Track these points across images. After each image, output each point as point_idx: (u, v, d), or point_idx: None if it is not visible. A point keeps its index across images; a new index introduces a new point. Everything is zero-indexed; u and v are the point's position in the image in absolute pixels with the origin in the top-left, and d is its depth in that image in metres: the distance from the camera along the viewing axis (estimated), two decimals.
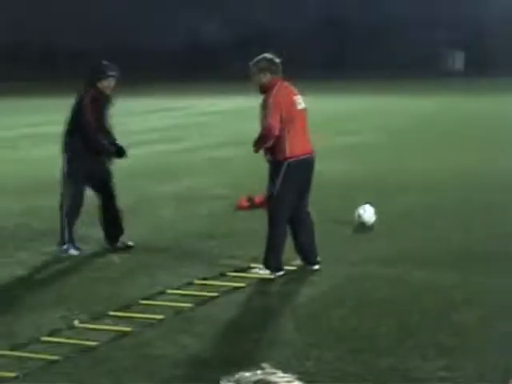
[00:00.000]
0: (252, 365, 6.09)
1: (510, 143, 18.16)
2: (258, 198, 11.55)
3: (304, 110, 9.03)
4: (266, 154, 8.90)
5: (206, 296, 7.79)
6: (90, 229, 10.72)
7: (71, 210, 10.03)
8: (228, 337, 6.96)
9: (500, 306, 7.36)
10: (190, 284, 8.23)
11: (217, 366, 6.08)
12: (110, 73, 10.14)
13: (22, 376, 5.86)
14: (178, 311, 7.32)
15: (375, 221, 10.51)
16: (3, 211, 12.33)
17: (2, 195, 13.75)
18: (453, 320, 7.00)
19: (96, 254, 9.62)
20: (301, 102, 9.01)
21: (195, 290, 8.04)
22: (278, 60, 8.99)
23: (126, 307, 7.44)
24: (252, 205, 11.80)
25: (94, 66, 10.66)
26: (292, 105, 8.94)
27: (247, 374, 1.95)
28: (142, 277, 8.56)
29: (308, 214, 8.91)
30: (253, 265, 8.75)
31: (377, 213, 10.54)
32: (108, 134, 10.06)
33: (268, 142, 8.79)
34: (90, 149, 10.06)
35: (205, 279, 8.37)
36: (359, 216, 10.48)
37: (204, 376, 5.94)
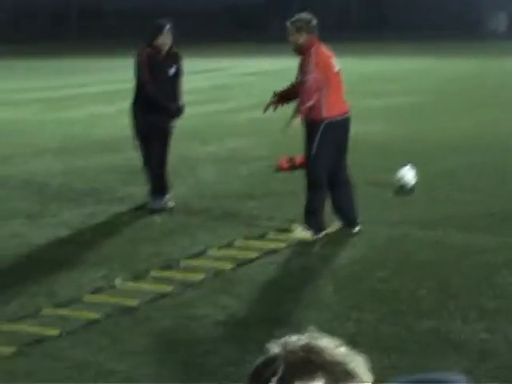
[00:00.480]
0: (293, 326, 6.11)
1: None
2: (299, 159, 11.50)
3: (339, 71, 8.96)
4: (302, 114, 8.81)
5: (246, 257, 7.79)
6: (131, 188, 10.80)
7: (158, 166, 10.26)
8: (268, 298, 6.95)
9: None
10: (230, 244, 8.23)
11: (256, 327, 6.09)
12: (164, 28, 10.14)
13: (65, 334, 5.91)
14: (218, 272, 7.32)
15: (415, 183, 10.43)
16: (46, 171, 12.45)
17: (44, 155, 13.88)
18: (494, 282, 6.92)
19: (137, 214, 9.66)
20: (336, 63, 8.95)
21: (235, 251, 8.05)
22: (314, 20, 8.87)
23: (166, 267, 7.46)
24: (292, 165, 11.76)
25: (150, 25, 10.73)
26: (329, 66, 8.91)
27: (293, 338, 1.85)
28: (182, 237, 8.59)
29: (347, 175, 8.82)
30: (294, 226, 8.72)
31: (417, 175, 10.45)
32: (169, 93, 10.14)
33: (311, 99, 8.66)
34: (149, 105, 10.16)
35: (245, 240, 8.37)
36: (400, 178, 10.38)
37: (244, 336, 5.94)
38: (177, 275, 7.20)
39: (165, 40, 10.05)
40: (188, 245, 8.32)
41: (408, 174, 10.38)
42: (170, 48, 10.18)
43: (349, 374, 1.73)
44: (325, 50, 9.05)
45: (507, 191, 10.21)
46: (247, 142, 14.41)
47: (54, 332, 5.89)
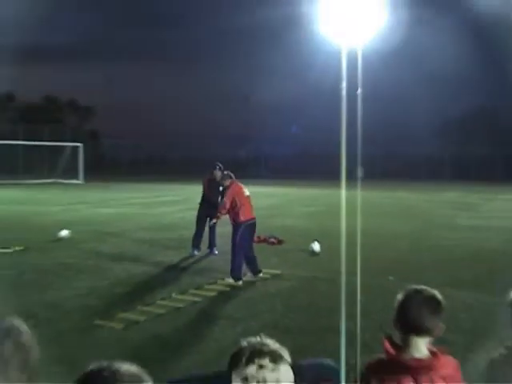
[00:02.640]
0: None
1: None
2: (263, 238, 19.03)
3: (249, 196, 13.90)
4: (231, 219, 13.59)
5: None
6: (171, 252, 17.66)
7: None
8: None
9: None
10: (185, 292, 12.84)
11: None
12: (216, 167, 16.17)
13: None
14: None
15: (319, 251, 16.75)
16: (139, 243, 19.22)
17: (142, 231, 21.87)
18: None
19: None
20: (246, 191, 13.83)
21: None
22: (229, 177, 14.08)
23: None
24: (259, 241, 18.71)
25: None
26: (242, 193, 13.73)
27: (253, 338, 2.75)
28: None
29: (254, 256, 13.84)
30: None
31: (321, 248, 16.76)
32: (216, 202, 14.68)
33: (223, 212, 13.62)
34: (207, 203, 16.19)
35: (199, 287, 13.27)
36: (311, 248, 17.09)
37: None
38: None
39: (216, 173, 15.96)
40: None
41: (315, 246, 17.23)
42: (221, 179, 14.79)
43: (281, 356, 2.58)
44: (238, 185, 13.87)
45: None
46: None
47: None
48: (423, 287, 3.79)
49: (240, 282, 13.32)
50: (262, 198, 36.69)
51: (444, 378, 3.64)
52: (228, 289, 13.15)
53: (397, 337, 3.78)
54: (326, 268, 14.92)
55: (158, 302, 11.99)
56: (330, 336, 9.22)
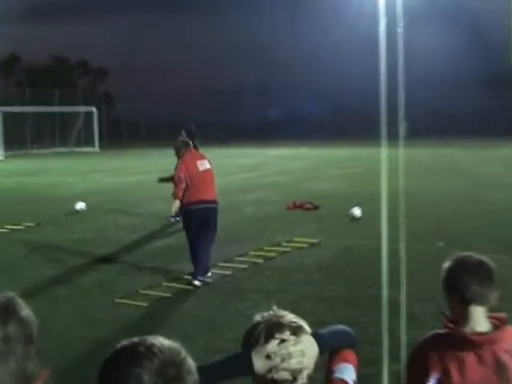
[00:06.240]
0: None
1: None
2: (299, 203, 19.43)
3: (207, 170, 11.88)
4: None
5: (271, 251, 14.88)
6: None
7: None
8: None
9: None
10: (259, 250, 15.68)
11: None
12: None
13: None
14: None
15: (361, 216, 17.40)
16: (165, 208, 20.44)
17: (159, 200, 21.98)
18: None
19: None
20: (204, 164, 11.86)
21: (261, 252, 15.18)
22: (187, 141, 12.46)
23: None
24: (295, 207, 19.57)
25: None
26: (194, 167, 11.74)
27: (265, 313, 2.64)
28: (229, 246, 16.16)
29: (212, 241, 11.95)
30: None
31: (362, 211, 17.35)
32: None
33: (181, 187, 11.61)
34: None
35: (269, 246, 15.09)
36: (351, 213, 17.71)
37: None
38: None
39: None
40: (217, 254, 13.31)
41: (356, 211, 17.73)
42: (175, 148, 12.99)
43: (301, 327, 2.57)
44: (193, 156, 11.96)
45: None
46: (269, 193, 22.82)
47: None
48: (470, 253, 3.73)
49: (198, 283, 11.55)
50: (294, 161, 37.30)
51: (508, 352, 3.63)
52: (261, 260, 13.34)
53: (452, 309, 3.76)
54: (367, 234, 15.05)
55: (185, 276, 12.21)
56: (374, 307, 9.25)
